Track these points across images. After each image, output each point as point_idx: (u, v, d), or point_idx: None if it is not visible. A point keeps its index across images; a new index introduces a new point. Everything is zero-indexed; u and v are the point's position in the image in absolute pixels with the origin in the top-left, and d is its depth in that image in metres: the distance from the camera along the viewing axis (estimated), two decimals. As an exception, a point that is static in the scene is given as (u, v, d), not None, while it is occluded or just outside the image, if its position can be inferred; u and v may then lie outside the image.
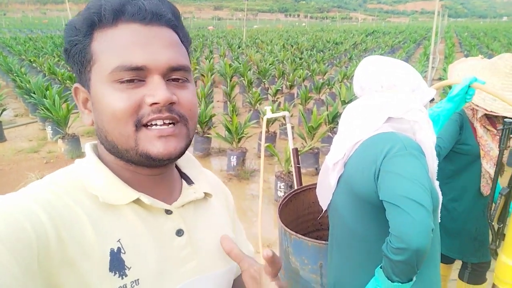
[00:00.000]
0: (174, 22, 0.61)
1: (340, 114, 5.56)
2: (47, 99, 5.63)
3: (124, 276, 0.56)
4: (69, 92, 7.20)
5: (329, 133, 5.19)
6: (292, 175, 4.06)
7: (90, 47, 0.57)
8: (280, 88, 8.24)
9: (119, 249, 0.57)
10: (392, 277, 1.05)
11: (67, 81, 8.47)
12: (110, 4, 0.56)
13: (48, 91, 5.93)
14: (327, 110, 5.49)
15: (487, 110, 1.53)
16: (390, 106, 1.17)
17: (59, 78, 8.92)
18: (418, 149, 1.10)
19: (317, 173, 4.74)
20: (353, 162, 1.20)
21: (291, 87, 8.99)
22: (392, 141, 1.09)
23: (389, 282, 1.05)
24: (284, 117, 5.67)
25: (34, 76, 8.67)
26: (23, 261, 0.47)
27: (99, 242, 0.55)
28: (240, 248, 0.84)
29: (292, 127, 3.06)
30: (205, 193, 0.71)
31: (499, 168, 1.37)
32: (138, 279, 0.57)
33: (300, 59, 12.84)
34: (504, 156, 1.39)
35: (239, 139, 4.85)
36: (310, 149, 4.59)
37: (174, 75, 0.59)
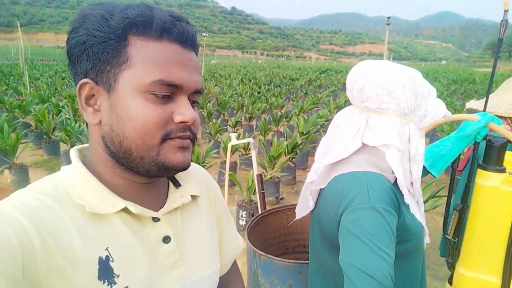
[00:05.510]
0: (198, 50, 0.66)
1: (299, 144, 5.65)
2: (-6, 127, 5.32)
3: (113, 284, 0.56)
4: (18, 121, 6.84)
5: (289, 162, 5.30)
6: (254, 203, 4.08)
7: (125, 49, 0.57)
8: (240, 120, 8.36)
9: (107, 257, 0.57)
10: None
11: (16, 109, 8.06)
12: (161, 19, 0.58)
13: (-5, 119, 5.61)
14: (286, 141, 5.63)
15: None
16: (367, 131, 1.05)
17: (7, 107, 8.49)
18: (385, 200, 0.94)
19: (277, 202, 4.78)
20: (325, 197, 1.07)
21: (250, 119, 9.15)
22: (357, 188, 0.97)
23: None
24: (247, 144, 5.69)
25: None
26: (7, 269, 0.47)
27: (87, 250, 0.55)
28: (229, 244, 0.84)
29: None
30: (192, 195, 0.71)
31: (453, 185, 1.48)
32: (127, 287, 0.58)
33: (258, 93, 13.16)
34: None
35: (200, 169, 4.79)
36: (271, 178, 4.65)
37: (193, 97, 0.63)
